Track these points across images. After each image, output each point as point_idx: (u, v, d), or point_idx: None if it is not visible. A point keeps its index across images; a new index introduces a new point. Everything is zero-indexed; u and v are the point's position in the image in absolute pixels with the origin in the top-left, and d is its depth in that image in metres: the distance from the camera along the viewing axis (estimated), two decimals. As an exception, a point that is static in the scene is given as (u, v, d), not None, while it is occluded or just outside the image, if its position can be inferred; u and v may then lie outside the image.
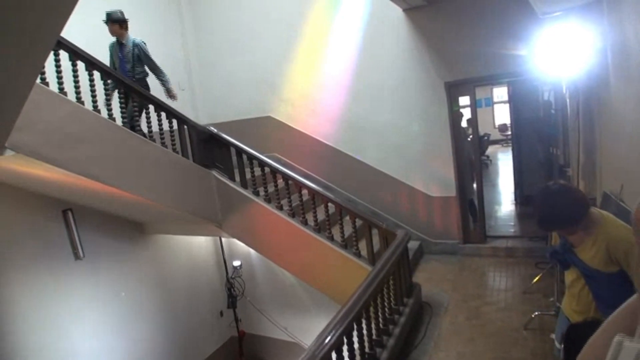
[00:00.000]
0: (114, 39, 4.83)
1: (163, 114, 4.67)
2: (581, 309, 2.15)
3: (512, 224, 6.80)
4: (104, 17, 4.72)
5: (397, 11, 5.47)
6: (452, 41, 5.25)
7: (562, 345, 2.30)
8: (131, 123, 4.48)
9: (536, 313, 3.97)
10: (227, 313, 7.06)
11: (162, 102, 4.63)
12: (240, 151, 5.01)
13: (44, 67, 3.16)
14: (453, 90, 5.51)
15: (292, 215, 4.88)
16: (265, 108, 6.71)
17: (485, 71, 5.18)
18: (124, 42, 4.82)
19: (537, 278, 4.61)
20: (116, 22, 4.71)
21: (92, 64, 3.95)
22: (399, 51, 5.62)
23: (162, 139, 4.57)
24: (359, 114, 6.01)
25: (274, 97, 6.63)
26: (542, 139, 6.21)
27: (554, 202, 2.00)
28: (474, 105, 5.68)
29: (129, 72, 4.81)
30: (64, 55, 3.72)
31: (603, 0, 3.17)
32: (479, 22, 5.02)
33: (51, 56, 3.55)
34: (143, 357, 5.77)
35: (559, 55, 3.39)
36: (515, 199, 7.58)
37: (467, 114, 5.97)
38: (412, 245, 5.43)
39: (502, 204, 7.89)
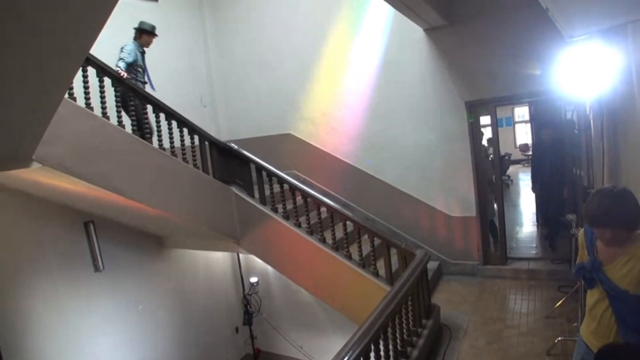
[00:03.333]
0: (131, 44, 4.89)
1: (185, 130, 4.75)
2: (601, 333, 2.07)
3: (534, 245, 6.65)
4: (137, 25, 4.97)
5: (418, 31, 5.50)
6: (473, 60, 5.24)
7: None
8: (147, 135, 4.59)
9: (559, 338, 3.85)
10: (243, 330, 7.03)
11: (184, 118, 4.71)
12: (259, 168, 5.05)
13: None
14: (474, 110, 5.48)
15: (310, 232, 4.87)
16: (286, 125, 6.77)
17: (507, 91, 5.14)
18: (145, 52, 5.06)
19: (560, 302, 4.48)
20: (152, 34, 5.01)
21: (119, 81, 4.07)
22: (419, 70, 5.64)
23: (183, 154, 4.64)
24: (379, 132, 6.01)
25: (295, 114, 6.69)
26: (566, 160, 6.09)
27: (622, 198, 1.93)
28: (495, 125, 5.63)
29: (152, 82, 5.09)
30: (91, 71, 3.84)
31: (628, 23, 3.13)
32: (500, 41, 5.01)
33: (79, 72, 3.67)
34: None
35: (582, 75, 3.34)
36: (537, 220, 7.44)
37: (487, 133, 5.92)
38: (431, 265, 5.34)
39: (523, 225, 7.74)
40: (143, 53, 5.03)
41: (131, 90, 4.27)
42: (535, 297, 4.91)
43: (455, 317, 4.64)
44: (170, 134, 4.59)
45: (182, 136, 4.73)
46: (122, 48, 4.78)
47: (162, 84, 5.64)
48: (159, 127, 4.49)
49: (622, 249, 1.96)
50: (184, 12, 6.99)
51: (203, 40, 7.27)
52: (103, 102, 3.88)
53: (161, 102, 4.49)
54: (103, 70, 3.93)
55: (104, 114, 3.86)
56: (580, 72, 3.30)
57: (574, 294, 4.31)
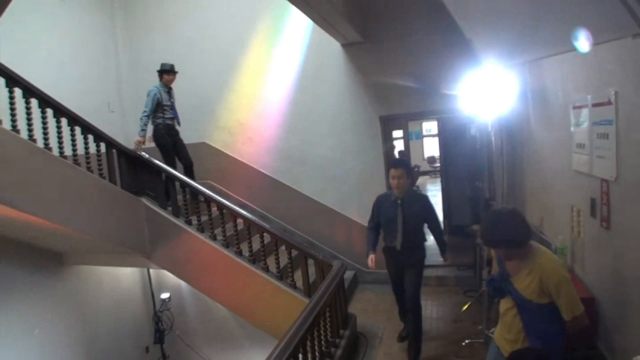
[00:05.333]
0: (154, 88, 5.32)
1: (90, 137, 4.40)
2: (512, 338, 2.23)
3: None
4: (159, 68, 5.38)
5: (336, 45, 5.64)
6: (386, 77, 5.47)
7: None
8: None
9: (466, 341, 4.08)
10: (154, 349, 6.61)
11: (90, 123, 4.37)
12: (172, 178, 4.82)
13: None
14: (387, 124, 5.71)
15: (227, 245, 4.73)
16: (201, 134, 6.54)
17: (418, 107, 5.44)
18: (172, 89, 5.49)
19: (465, 306, 4.76)
20: (172, 72, 5.41)
21: (14, 81, 3.68)
22: (337, 84, 5.77)
23: (88, 163, 4.29)
24: (297, 144, 6.04)
25: (210, 123, 6.50)
26: (470, 173, 6.55)
27: (504, 220, 2.09)
28: (407, 139, 5.92)
29: (178, 116, 5.52)
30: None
31: (526, 63, 3.47)
32: (412, 61, 5.29)
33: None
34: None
35: (484, 97, 3.64)
36: (444, 230, 7.87)
37: (399, 145, 6.19)
38: (347, 275, 5.43)
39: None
40: (168, 91, 5.43)
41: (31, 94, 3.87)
42: (444, 303, 5.19)
43: (370, 326, 4.74)
44: (73, 140, 4.23)
45: (86, 143, 4.37)
46: (147, 94, 5.31)
47: (65, 87, 5.24)
48: (60, 133, 4.11)
49: (524, 262, 2.11)
50: (93, 12, 6.54)
51: (113, 43, 6.84)
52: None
53: (63, 106, 4.12)
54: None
55: (-7, 117, 3.45)
56: (484, 95, 3.58)
57: (478, 298, 4.60)
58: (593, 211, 2.46)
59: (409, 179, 3.78)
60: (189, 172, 5.39)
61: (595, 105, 2.30)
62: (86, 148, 4.37)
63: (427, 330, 4.54)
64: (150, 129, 5.28)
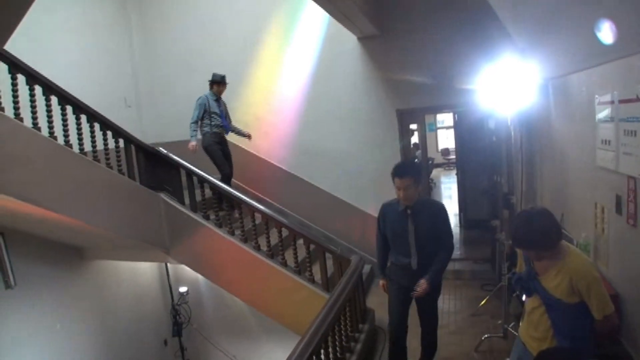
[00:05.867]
0: (202, 97, 5.50)
1: (109, 133, 4.45)
2: (539, 336, 2.22)
3: (457, 247, 7.02)
4: (211, 78, 5.52)
5: (352, 39, 5.61)
6: (403, 71, 5.43)
7: None
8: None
9: (485, 336, 4.08)
10: (172, 342, 6.73)
11: (108, 120, 4.41)
12: (190, 173, 4.86)
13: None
14: (404, 118, 5.68)
15: (244, 240, 4.77)
16: (217, 129, 6.58)
17: (435, 101, 5.39)
18: (221, 98, 5.61)
19: (484, 301, 4.76)
20: (223, 83, 5.56)
21: (33, 77, 3.72)
22: (353, 78, 5.75)
23: (107, 159, 4.35)
24: (313, 138, 6.04)
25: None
26: (487, 167, 6.50)
27: (536, 222, 2.05)
28: (423, 132, 5.88)
29: (227, 125, 5.64)
30: (2, 67, 3.48)
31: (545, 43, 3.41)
32: (430, 54, 5.24)
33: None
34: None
35: (503, 91, 3.59)
36: (460, 223, 7.86)
37: (414, 138, 6.16)
38: (365, 269, 5.44)
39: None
40: (217, 100, 5.56)
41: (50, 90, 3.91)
42: (462, 296, 5.18)
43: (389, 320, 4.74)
44: (93, 137, 4.28)
45: (105, 140, 4.42)
46: (196, 101, 5.50)
47: (81, 83, 5.28)
48: (80, 129, 4.16)
49: (553, 261, 2.09)
50: (107, 6, 6.58)
51: (129, 38, 6.88)
52: (16, 102, 3.52)
53: (82, 103, 4.17)
54: (16, 66, 3.57)
55: (17, 115, 3.51)
56: (503, 88, 3.54)
57: (497, 292, 4.59)
58: (618, 208, 2.44)
59: (419, 188, 3.14)
60: (226, 181, 5.35)
61: (622, 101, 2.27)
62: (105, 144, 4.40)
63: (445, 324, 4.54)
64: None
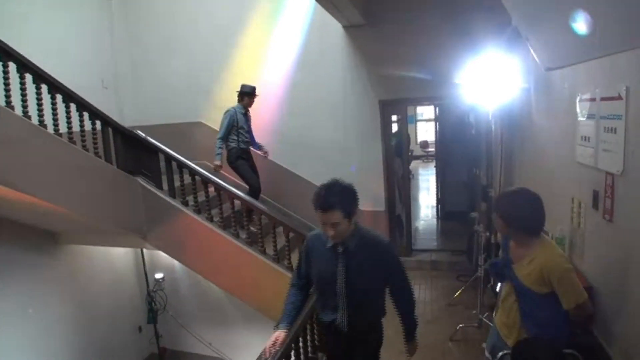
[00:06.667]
0: (231, 109, 5.25)
1: (85, 114, 4.32)
2: (509, 323, 2.28)
3: (435, 238, 7.13)
4: (240, 89, 5.29)
5: (338, 27, 5.55)
6: (388, 61, 5.41)
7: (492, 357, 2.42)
8: None
9: (460, 325, 4.16)
10: (147, 328, 6.66)
11: (84, 100, 4.28)
12: (169, 158, 4.78)
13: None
14: (386, 109, 5.69)
15: (224, 227, 4.73)
16: (197, 113, 6.47)
17: (418, 93, 5.41)
18: (248, 111, 5.37)
19: (459, 291, 4.84)
20: (253, 95, 5.30)
21: (7, 54, 3.58)
22: (337, 67, 5.70)
23: (83, 141, 4.23)
24: (296, 126, 5.99)
25: (207, 102, 6.40)
26: (467, 160, 6.58)
27: (529, 200, 2.12)
28: (405, 123, 5.90)
29: (254, 141, 5.44)
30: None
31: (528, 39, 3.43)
32: (415, 45, 5.22)
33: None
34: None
35: (486, 85, 3.63)
36: (438, 215, 7.97)
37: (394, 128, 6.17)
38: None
39: (424, 219, 8.24)
40: (245, 113, 5.31)
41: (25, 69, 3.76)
42: (438, 287, 5.26)
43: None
44: (69, 118, 4.14)
45: (81, 121, 4.29)
46: (224, 114, 5.23)
47: (59, 63, 5.08)
48: (55, 110, 4.02)
49: (528, 250, 2.15)
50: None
51: (108, 17, 6.66)
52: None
53: (58, 82, 4.03)
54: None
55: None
56: (486, 83, 3.56)
57: (473, 282, 4.68)
58: (595, 203, 2.49)
59: (352, 222, 2.22)
60: (255, 195, 5.25)
61: (604, 99, 2.30)
62: (81, 126, 4.29)
63: (421, 314, 4.58)
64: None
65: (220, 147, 5.17)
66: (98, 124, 4.47)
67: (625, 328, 2.29)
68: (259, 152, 5.56)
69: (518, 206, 2.14)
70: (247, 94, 5.27)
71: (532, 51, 2.96)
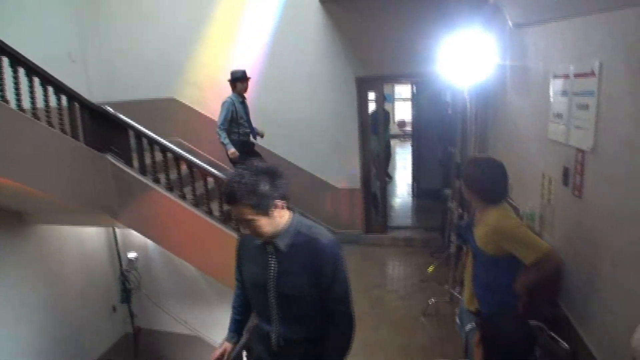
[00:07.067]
0: (227, 100, 4.92)
1: (50, 89, 4.14)
2: (468, 286, 2.38)
3: (410, 215, 7.20)
4: (230, 77, 4.95)
5: (314, 1, 5.42)
6: (365, 37, 5.35)
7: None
8: None
9: (432, 300, 4.23)
10: (121, 308, 6.58)
11: (48, 74, 4.09)
12: (139, 134, 4.65)
13: None
14: (363, 86, 5.63)
15: (196, 204, 4.66)
16: (169, 89, 6.28)
17: (394, 70, 5.37)
18: (245, 98, 5.06)
19: (431, 267, 4.92)
20: (245, 79, 4.97)
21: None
22: (313, 42, 5.60)
23: (47, 117, 4.05)
24: (270, 103, 5.87)
25: (180, 78, 6.22)
26: (442, 138, 6.61)
27: (492, 167, 2.19)
28: (382, 101, 5.87)
29: (253, 130, 5.15)
30: None
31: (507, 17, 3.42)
32: (392, 21, 5.17)
33: None
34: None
35: (463, 63, 3.61)
36: (413, 192, 8.04)
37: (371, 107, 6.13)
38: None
39: (400, 197, 8.30)
40: (242, 102, 5.01)
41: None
42: (412, 263, 5.34)
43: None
44: (32, 92, 3.95)
45: (46, 96, 4.11)
46: (221, 105, 4.90)
47: (21, 34, 4.87)
48: (17, 84, 3.82)
49: (486, 214, 2.22)
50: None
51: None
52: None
53: (20, 55, 3.82)
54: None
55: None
56: (462, 60, 3.55)
57: (446, 259, 4.74)
58: (565, 179, 2.52)
59: (274, 217, 1.78)
60: None
61: (577, 75, 2.30)
62: (46, 101, 4.11)
63: (395, 290, 4.69)
64: None
65: (225, 137, 4.85)
66: (64, 99, 4.29)
67: (591, 303, 2.35)
68: (258, 136, 5.29)
69: (479, 173, 2.20)
70: (239, 80, 4.96)
71: (502, 10, 2.94)
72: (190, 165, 4.63)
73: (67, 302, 5.77)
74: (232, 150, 4.81)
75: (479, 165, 2.25)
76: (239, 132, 4.98)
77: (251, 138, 5.20)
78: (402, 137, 14.87)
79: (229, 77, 5.03)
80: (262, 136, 5.27)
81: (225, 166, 6.05)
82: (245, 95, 5.08)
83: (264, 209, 1.72)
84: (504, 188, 2.18)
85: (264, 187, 1.71)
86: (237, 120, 4.94)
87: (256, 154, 5.18)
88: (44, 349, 5.40)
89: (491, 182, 2.15)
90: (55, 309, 5.60)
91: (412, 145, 8.34)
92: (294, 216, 1.90)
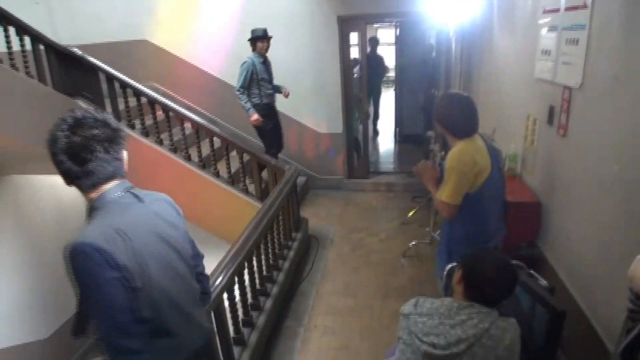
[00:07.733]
0: (247, 61, 4.67)
1: (12, 29, 3.85)
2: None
3: (392, 160, 7.19)
4: (250, 36, 4.68)
5: None
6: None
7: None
8: None
9: (413, 242, 4.29)
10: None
11: (11, 14, 3.79)
12: (110, 77, 4.42)
13: None
14: (345, 25, 5.40)
15: (174, 150, 4.54)
16: (141, 30, 5.90)
17: (379, 7, 5.12)
18: (267, 58, 4.81)
19: (413, 211, 4.96)
20: (265, 38, 4.68)
21: None
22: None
23: (10, 59, 3.80)
24: (247, 44, 5.59)
25: (151, 18, 5.85)
26: (425, 82, 6.49)
27: (462, 103, 2.16)
28: (364, 43, 5.66)
29: (275, 90, 4.92)
30: None
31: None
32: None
33: None
34: (4, 316, 5.10)
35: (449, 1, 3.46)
36: (395, 138, 8.00)
37: (354, 53, 5.91)
38: (300, 181, 5.41)
39: (382, 142, 8.25)
40: (264, 62, 4.76)
41: None
42: (393, 207, 5.37)
43: (322, 229, 4.87)
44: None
45: (7, 38, 3.83)
46: (240, 65, 4.65)
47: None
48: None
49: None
50: None
51: None
52: None
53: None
54: None
55: None
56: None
57: (427, 202, 4.78)
58: (550, 119, 2.48)
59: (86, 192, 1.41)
60: (274, 155, 4.91)
61: (568, 8, 2.21)
62: (8, 43, 3.84)
63: (376, 233, 4.74)
64: None
65: (245, 101, 4.64)
66: (27, 40, 4.00)
67: (566, 240, 2.38)
68: (281, 94, 5.02)
69: (449, 107, 2.20)
70: (260, 39, 4.67)
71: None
72: (166, 109, 4.46)
73: (48, 256, 5.66)
74: (254, 116, 4.64)
75: (448, 100, 2.28)
76: (260, 93, 4.75)
77: (275, 101, 5.01)
78: (385, 83, 14.63)
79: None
80: (286, 95, 5.00)
81: (206, 112, 5.89)
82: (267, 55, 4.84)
83: (70, 178, 1.37)
84: (472, 122, 2.14)
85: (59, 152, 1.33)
86: (257, 82, 4.71)
87: (279, 122, 5.12)
88: (26, 304, 5.35)
89: (459, 116, 2.14)
90: (36, 264, 5.50)
91: (395, 91, 8.21)
92: (99, 200, 1.41)
